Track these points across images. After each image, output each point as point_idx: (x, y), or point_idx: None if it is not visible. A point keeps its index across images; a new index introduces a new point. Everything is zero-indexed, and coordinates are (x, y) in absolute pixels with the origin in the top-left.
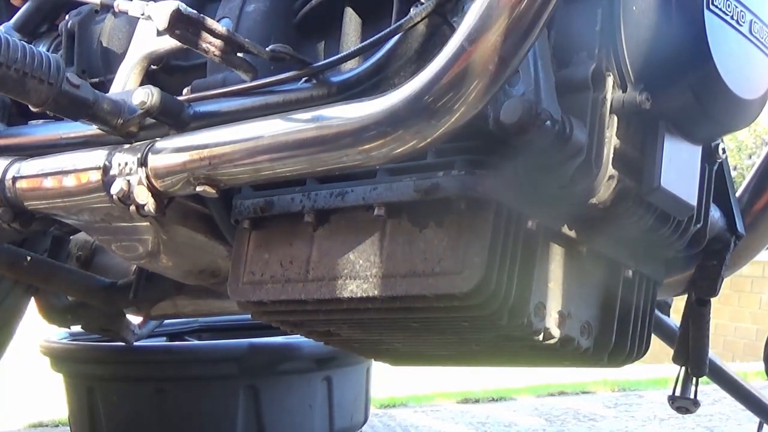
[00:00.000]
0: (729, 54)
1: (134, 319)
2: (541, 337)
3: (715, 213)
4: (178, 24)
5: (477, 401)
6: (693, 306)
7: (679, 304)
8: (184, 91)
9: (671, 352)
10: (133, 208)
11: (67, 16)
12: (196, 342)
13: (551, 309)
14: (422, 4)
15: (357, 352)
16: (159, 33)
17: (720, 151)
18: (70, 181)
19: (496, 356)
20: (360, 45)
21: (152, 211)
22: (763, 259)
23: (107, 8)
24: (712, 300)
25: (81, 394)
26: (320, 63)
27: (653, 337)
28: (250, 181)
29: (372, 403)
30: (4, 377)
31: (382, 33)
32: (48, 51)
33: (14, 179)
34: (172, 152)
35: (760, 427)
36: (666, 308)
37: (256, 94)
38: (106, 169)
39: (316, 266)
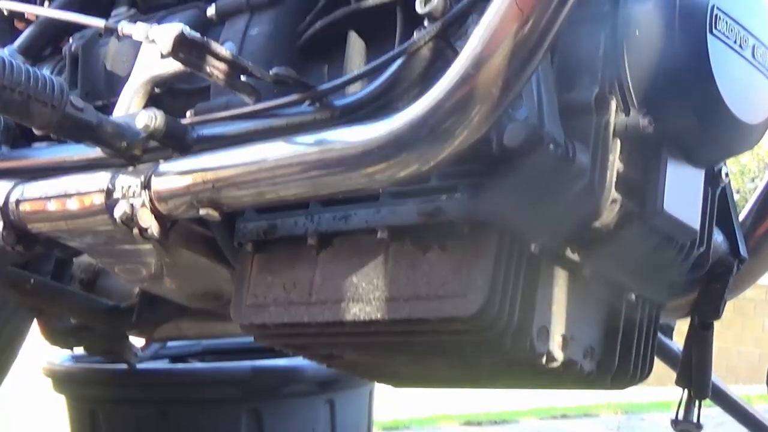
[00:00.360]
0: (732, 78)
1: (137, 342)
2: (544, 360)
3: (718, 236)
4: (181, 47)
5: (480, 424)
6: (696, 329)
7: (682, 327)
8: (188, 114)
9: (674, 375)
10: (136, 231)
11: (70, 39)
12: (199, 364)
13: (554, 332)
14: (426, 28)
15: (360, 375)
16: (162, 56)
17: (723, 175)
18: (73, 204)
19: (499, 379)
20: (363, 69)
21: (155, 234)
22: (766, 282)
23: (111, 32)
24: (715, 323)
25: (83, 416)
26: (324, 86)
27: (656, 360)
28: (253, 204)
29: (375, 425)
30: (7, 398)
31: (386, 56)
32: (52, 74)
33: (18, 202)
34: (175, 175)
35: None
36: (669, 331)
37: (259, 117)
38: (109, 192)
39: (320, 289)
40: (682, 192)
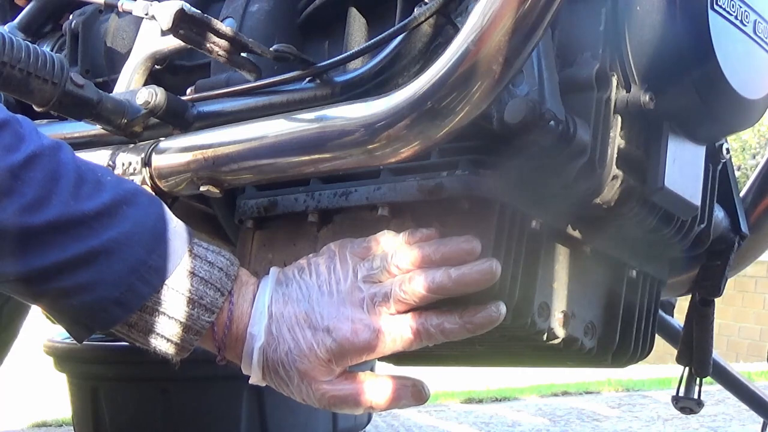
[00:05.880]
0: (733, 54)
1: None
2: (544, 337)
3: (719, 213)
4: (182, 24)
5: (481, 401)
6: (697, 306)
7: (683, 305)
8: (188, 90)
9: (675, 352)
10: None
11: (71, 16)
12: None
13: (555, 309)
14: (426, 4)
15: None
16: (163, 33)
17: (724, 151)
18: None
19: (500, 356)
20: (364, 45)
21: None
22: (767, 259)
23: (111, 8)
24: (716, 300)
25: (85, 394)
26: (324, 63)
27: (657, 337)
28: (253, 180)
29: None
30: (8, 376)
31: (386, 33)
32: (52, 51)
33: None
34: (175, 152)
35: (764, 427)
36: (670, 308)
37: (259, 94)
38: (109, 169)
39: None
40: (683, 168)
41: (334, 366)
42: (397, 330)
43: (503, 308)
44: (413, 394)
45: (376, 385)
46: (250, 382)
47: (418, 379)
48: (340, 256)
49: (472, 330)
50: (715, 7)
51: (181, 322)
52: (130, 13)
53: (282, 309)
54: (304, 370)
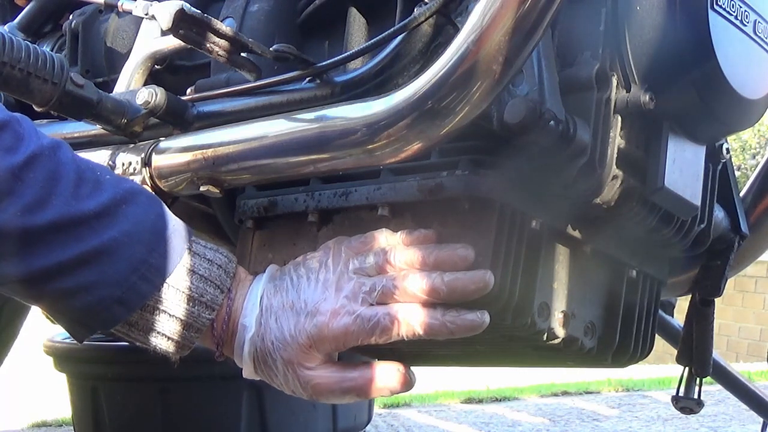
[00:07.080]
0: (733, 54)
1: None
2: (544, 337)
3: (718, 213)
4: (182, 24)
5: (481, 401)
6: (697, 306)
7: (683, 305)
8: (188, 90)
9: (675, 352)
10: None
11: (71, 16)
12: None
13: (555, 309)
14: (426, 3)
15: (360, 353)
16: (163, 33)
17: (724, 151)
18: None
19: (500, 356)
20: (364, 45)
21: None
22: (767, 259)
23: (111, 8)
24: (716, 300)
25: (85, 394)
26: (324, 63)
27: (657, 337)
28: (253, 180)
29: (375, 403)
30: (8, 376)
31: (386, 33)
32: (52, 51)
33: None
34: (175, 152)
35: (764, 427)
36: (670, 308)
37: (259, 93)
38: (109, 169)
39: None
40: (683, 168)
41: (316, 352)
42: (378, 318)
43: (487, 317)
44: (399, 381)
45: (361, 372)
46: (243, 375)
47: (404, 364)
48: (335, 251)
49: (453, 331)
50: (715, 7)
51: (181, 320)
52: (130, 13)
53: (272, 300)
54: (288, 358)
